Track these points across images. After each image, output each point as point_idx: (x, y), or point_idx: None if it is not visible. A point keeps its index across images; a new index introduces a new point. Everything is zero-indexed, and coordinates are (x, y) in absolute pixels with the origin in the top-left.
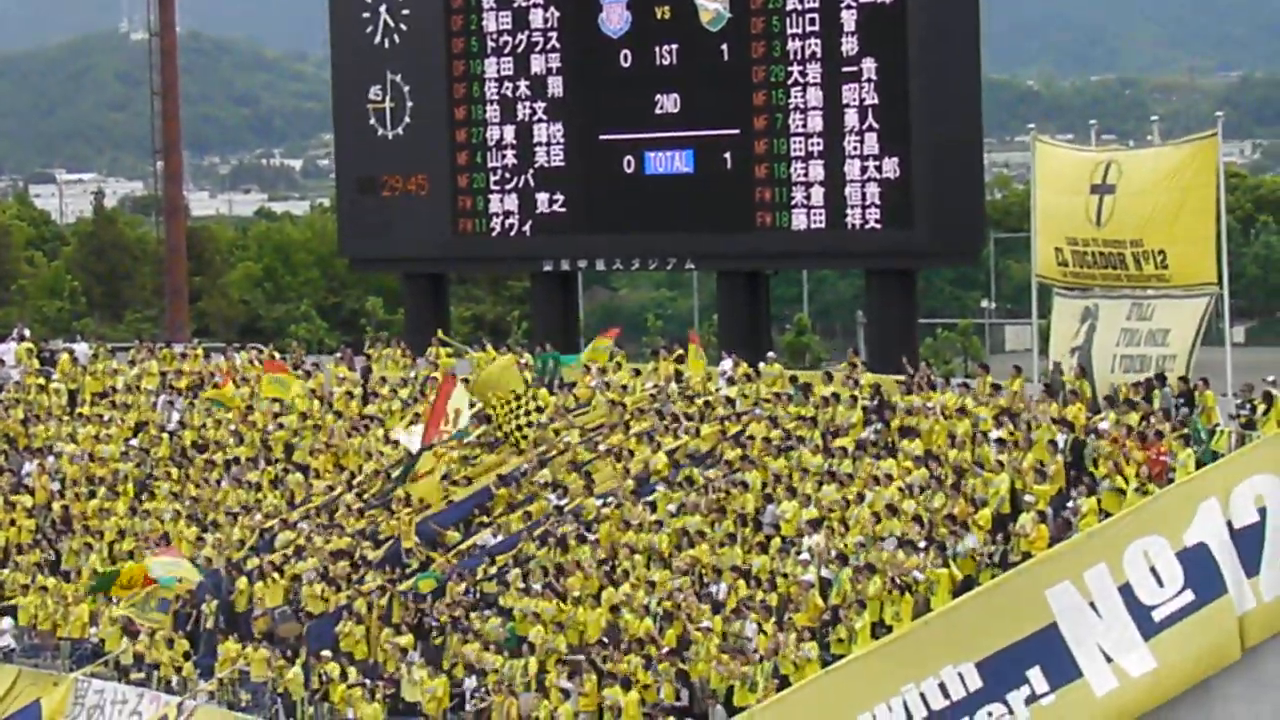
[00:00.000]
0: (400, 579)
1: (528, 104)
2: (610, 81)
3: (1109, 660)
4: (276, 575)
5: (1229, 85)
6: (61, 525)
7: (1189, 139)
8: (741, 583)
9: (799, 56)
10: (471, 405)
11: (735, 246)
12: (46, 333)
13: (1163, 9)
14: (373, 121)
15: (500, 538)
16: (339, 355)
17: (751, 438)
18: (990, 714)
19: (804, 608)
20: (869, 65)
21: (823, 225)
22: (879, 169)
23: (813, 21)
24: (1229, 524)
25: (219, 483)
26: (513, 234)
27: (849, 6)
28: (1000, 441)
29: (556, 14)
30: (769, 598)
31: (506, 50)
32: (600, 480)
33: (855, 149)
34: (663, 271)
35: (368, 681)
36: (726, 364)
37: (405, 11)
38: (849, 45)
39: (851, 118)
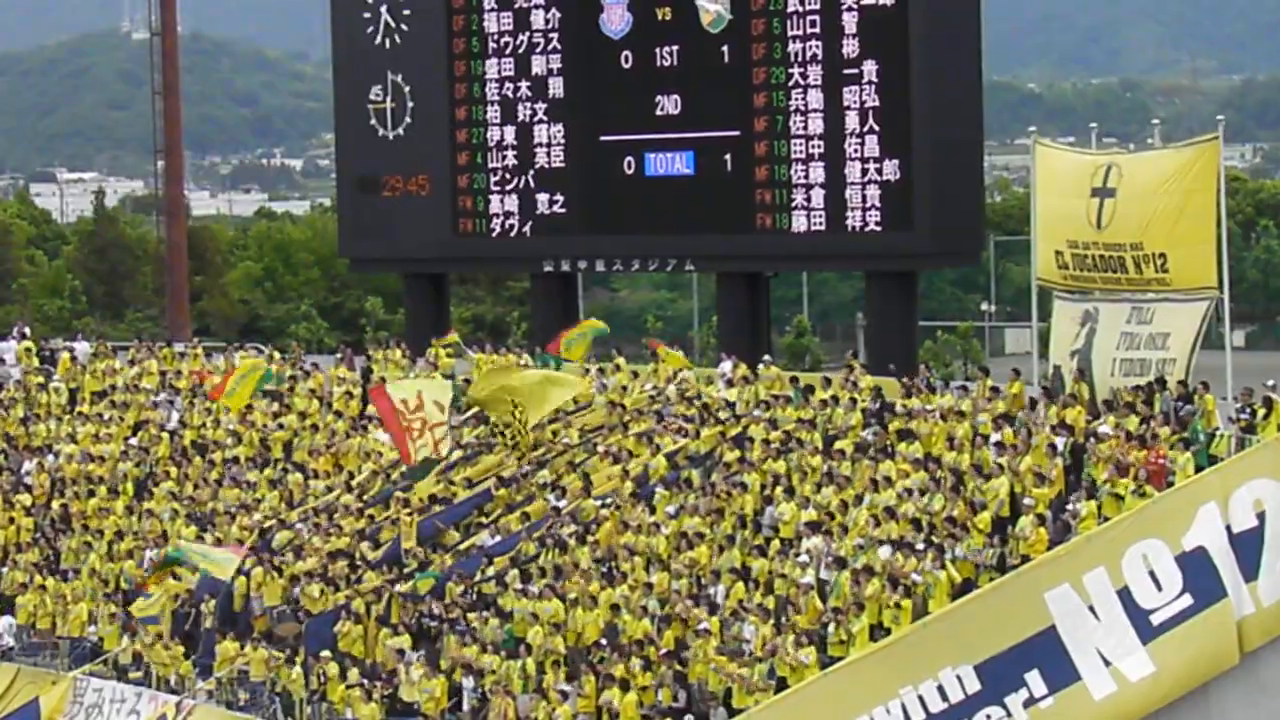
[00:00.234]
0: (399, 579)
1: (528, 105)
2: (611, 83)
3: (1107, 664)
4: (275, 574)
5: (1231, 88)
6: (61, 524)
7: (1190, 142)
8: (740, 585)
9: (800, 58)
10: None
11: (735, 248)
12: (47, 332)
13: (1164, 11)
14: (373, 121)
15: (498, 539)
16: (339, 355)
17: (751, 439)
18: (988, 717)
19: (804, 610)
20: (870, 67)
21: (823, 227)
22: (879, 171)
23: (813, 24)
24: (1228, 528)
25: (218, 482)
26: (513, 235)
27: (850, 9)
28: (999, 445)
29: (557, 15)
30: (767, 600)
31: (507, 51)
32: (598, 482)
33: (856, 151)
34: (663, 273)
35: (366, 681)
36: (726, 366)
37: (406, 12)
38: (850, 47)
39: (852, 120)
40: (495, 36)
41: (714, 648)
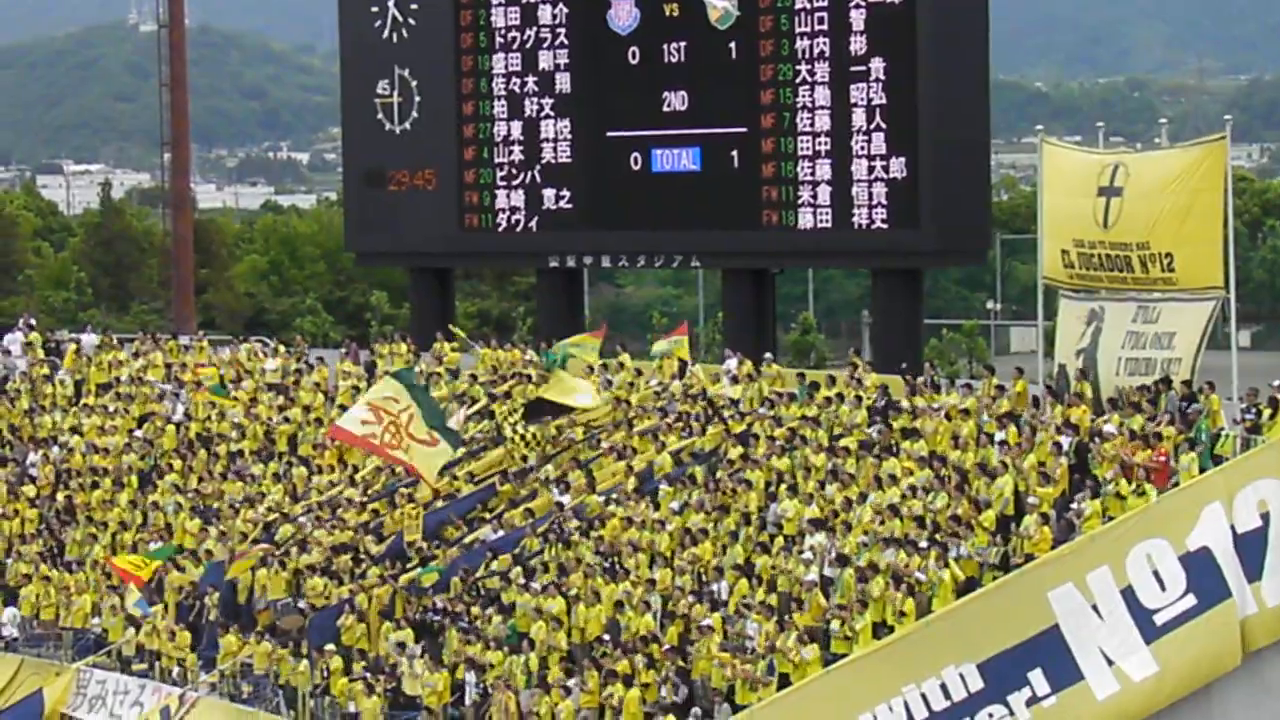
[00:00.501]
0: (402, 573)
1: (535, 100)
2: (618, 78)
3: (1110, 663)
4: (279, 568)
5: (1238, 88)
6: (65, 516)
7: (1197, 142)
8: (744, 581)
9: (807, 55)
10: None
11: (741, 245)
12: (52, 323)
13: (1171, 11)
14: (380, 116)
15: (501, 534)
16: (344, 349)
17: (756, 436)
18: (991, 715)
19: (807, 607)
20: (877, 65)
21: (829, 224)
22: (886, 169)
23: (821, 21)
24: (1232, 528)
25: (223, 475)
26: (519, 230)
27: (858, 6)
28: (1003, 443)
29: (565, 10)
30: (770, 598)
31: (515, 46)
32: (602, 478)
33: (862, 148)
34: (668, 269)
35: (369, 675)
36: (731, 363)
37: (414, 6)
38: (857, 45)
39: (859, 117)
40: (503, 31)
41: (717, 644)
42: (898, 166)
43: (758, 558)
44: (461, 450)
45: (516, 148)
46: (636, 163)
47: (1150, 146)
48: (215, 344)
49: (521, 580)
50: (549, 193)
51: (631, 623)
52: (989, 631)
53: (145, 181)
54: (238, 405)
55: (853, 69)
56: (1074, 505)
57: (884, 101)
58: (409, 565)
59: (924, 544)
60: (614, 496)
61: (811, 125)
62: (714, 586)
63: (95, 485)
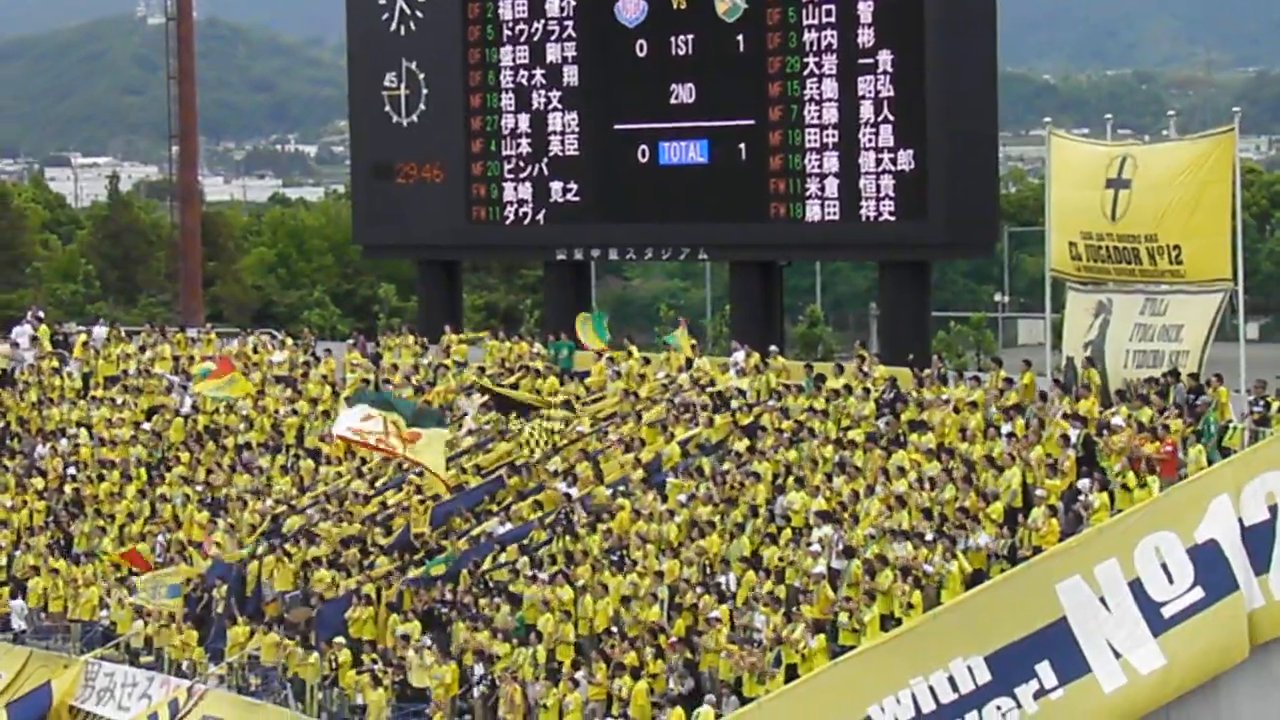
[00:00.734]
0: (410, 565)
1: (543, 92)
2: (625, 71)
3: (1118, 656)
4: (286, 560)
5: (1246, 81)
6: (73, 508)
7: (1205, 134)
8: (751, 574)
9: (815, 48)
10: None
11: (749, 237)
12: (60, 316)
13: (1179, 4)
14: (388, 109)
15: (509, 526)
16: (351, 342)
17: (763, 429)
18: (999, 708)
19: (815, 599)
20: (885, 57)
21: (837, 217)
22: (894, 161)
23: (829, 13)
24: (1240, 521)
25: (231, 468)
26: (526, 222)
27: None
28: (1011, 435)
29: (572, 2)
30: (778, 590)
31: (522, 38)
32: (609, 470)
33: (870, 141)
34: (676, 261)
35: (376, 667)
36: (738, 355)
37: None
38: (865, 37)
39: (867, 110)
40: (510, 24)
41: (725, 636)
42: (905, 159)
43: (765, 550)
44: (454, 429)
45: (524, 140)
46: (644, 155)
47: (1158, 139)
48: (223, 336)
49: (529, 572)
50: (556, 185)
51: (640, 613)
52: (996, 624)
53: (153, 174)
54: (247, 390)
55: (860, 61)
56: (1082, 498)
57: (892, 94)
58: (417, 558)
59: (930, 536)
60: (621, 489)
61: (819, 118)
62: (721, 578)
63: (103, 478)
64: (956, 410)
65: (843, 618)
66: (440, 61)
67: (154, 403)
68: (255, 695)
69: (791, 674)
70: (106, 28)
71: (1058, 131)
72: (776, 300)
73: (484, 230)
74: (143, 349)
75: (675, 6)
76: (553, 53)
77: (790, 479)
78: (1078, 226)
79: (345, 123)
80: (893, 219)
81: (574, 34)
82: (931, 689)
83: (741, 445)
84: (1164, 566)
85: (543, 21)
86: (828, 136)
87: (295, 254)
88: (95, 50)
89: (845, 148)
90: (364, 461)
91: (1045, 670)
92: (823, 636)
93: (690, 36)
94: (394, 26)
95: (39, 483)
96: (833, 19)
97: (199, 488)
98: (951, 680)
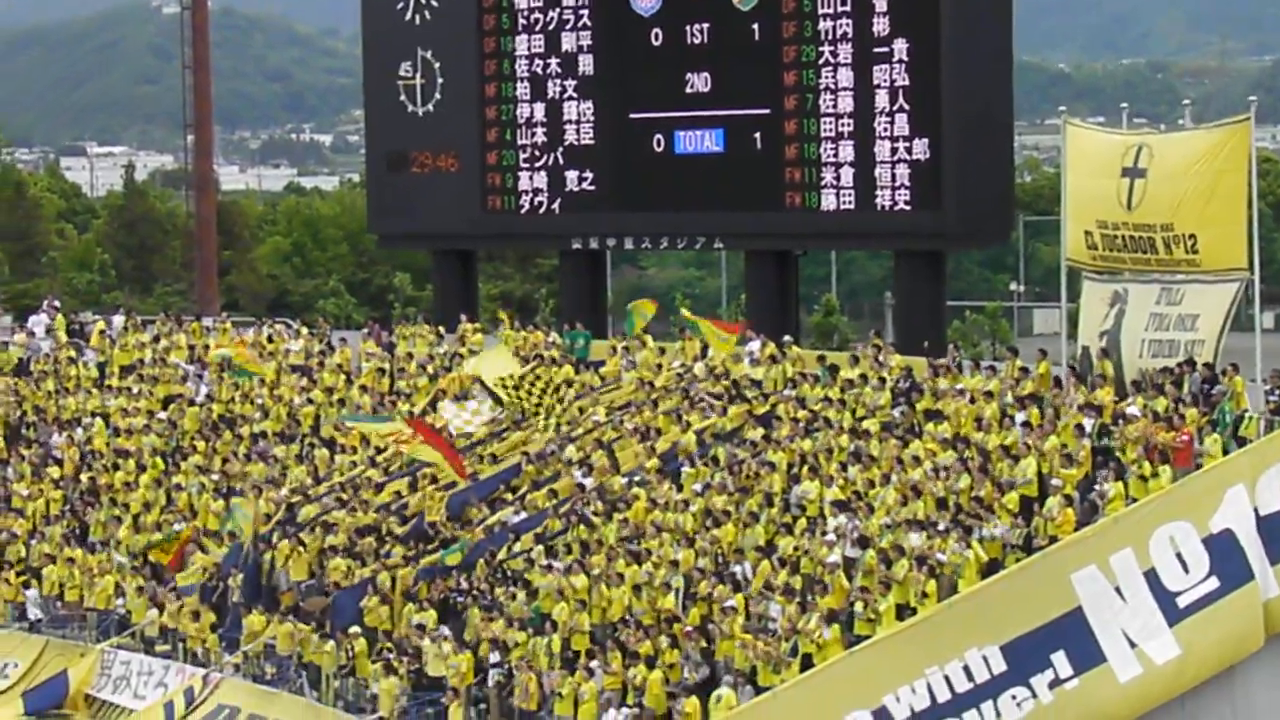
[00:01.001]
0: (425, 554)
1: (558, 82)
2: (641, 60)
3: (1133, 646)
4: (301, 549)
5: (1261, 69)
6: (89, 497)
7: (1221, 123)
8: (766, 563)
9: (830, 37)
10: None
11: (764, 226)
12: (76, 305)
13: None
14: (403, 98)
15: (523, 515)
16: (366, 331)
17: (778, 418)
18: (1014, 697)
19: (831, 589)
20: (900, 46)
21: (852, 206)
22: (909, 150)
23: (844, 2)
24: (1256, 511)
25: (246, 457)
26: (542, 212)
27: None
28: (1026, 425)
29: None
30: (793, 580)
31: (538, 27)
32: (625, 459)
33: (885, 130)
34: (691, 251)
35: (391, 656)
36: (754, 345)
37: None
38: (880, 26)
39: (882, 99)
40: (525, 13)
41: (740, 625)
42: (920, 148)
43: (780, 539)
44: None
45: (539, 129)
46: (659, 144)
47: (1174, 128)
48: (238, 325)
49: (545, 561)
50: (572, 174)
51: (656, 601)
52: (1012, 613)
53: (168, 163)
54: (266, 372)
55: (876, 50)
56: (1097, 487)
57: (907, 83)
58: (431, 547)
59: (942, 526)
60: (637, 478)
61: (834, 107)
62: (736, 568)
63: (119, 467)
64: (972, 400)
65: (858, 607)
66: (455, 50)
67: (170, 392)
68: (271, 684)
69: (807, 663)
70: (122, 17)
71: (1073, 120)
72: (792, 289)
73: (499, 219)
74: (157, 338)
75: None
76: (568, 41)
77: (805, 468)
78: (1093, 216)
79: (360, 112)
80: (908, 208)
81: (589, 23)
82: (947, 678)
83: (757, 434)
84: (1179, 556)
85: (558, 10)
86: (843, 125)
87: (310, 243)
88: (110, 39)
89: (860, 137)
90: (379, 450)
91: (1060, 660)
92: (837, 627)
93: (705, 25)
94: (409, 16)
95: (55, 472)
96: (848, 8)
97: (214, 477)
98: (967, 670)
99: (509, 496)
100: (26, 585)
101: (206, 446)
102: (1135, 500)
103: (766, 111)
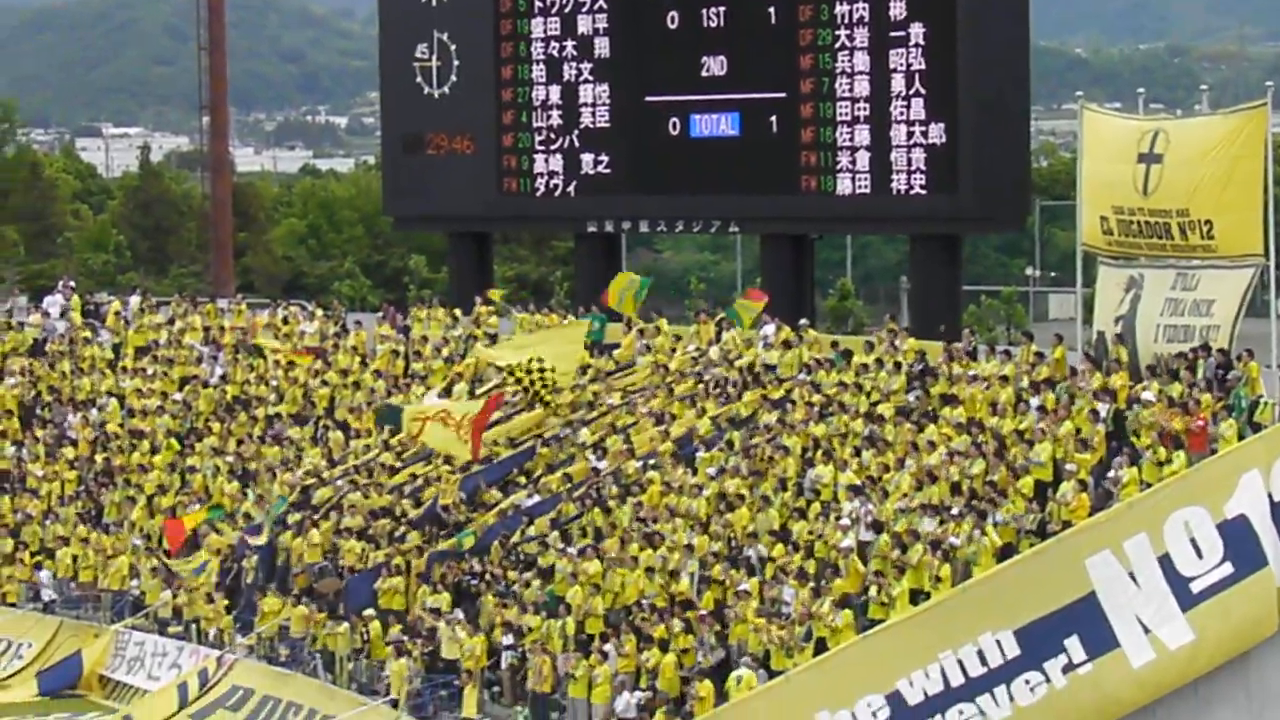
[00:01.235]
0: (439, 537)
1: (574, 64)
2: (657, 43)
3: (1147, 631)
4: (315, 532)
5: (1279, 55)
6: (104, 478)
7: (1238, 109)
8: (779, 547)
9: (847, 20)
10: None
11: (780, 210)
12: (92, 286)
13: None
14: (419, 80)
15: (537, 499)
16: (381, 314)
17: (793, 402)
18: (1027, 682)
19: (845, 573)
20: (917, 30)
21: (868, 190)
22: (925, 134)
23: None
24: (1270, 496)
25: (261, 439)
26: (557, 194)
27: None
28: (1041, 409)
29: None
30: (807, 564)
31: (554, 10)
32: (640, 443)
33: (902, 114)
34: (707, 234)
35: (405, 639)
36: (768, 329)
37: None
38: (897, 10)
39: (898, 83)
40: None
41: (754, 609)
42: (937, 132)
43: (794, 524)
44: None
45: (555, 112)
46: (675, 128)
47: (1191, 113)
48: (253, 307)
49: (560, 545)
50: (587, 157)
51: (669, 586)
52: (1026, 598)
53: (184, 145)
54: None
55: (892, 34)
56: (1112, 472)
57: (923, 67)
58: (445, 530)
59: (956, 511)
60: (651, 462)
61: (851, 90)
62: (750, 552)
63: (134, 448)
64: (987, 385)
65: (871, 591)
66: (471, 32)
67: (186, 373)
68: (285, 666)
69: (820, 647)
70: None
71: (1090, 105)
72: (807, 273)
73: (514, 202)
74: (172, 320)
75: None
76: (584, 24)
77: (820, 453)
78: (1109, 201)
79: (376, 94)
80: (924, 192)
81: (605, 5)
82: (960, 663)
83: (771, 418)
84: (1193, 542)
85: None
86: (859, 109)
87: (326, 225)
88: (126, 20)
89: (876, 121)
90: (393, 433)
91: (1074, 645)
92: (849, 612)
93: (722, 8)
94: None
95: (70, 452)
96: None
97: (229, 459)
98: (980, 654)
99: (523, 480)
100: (39, 566)
101: (221, 428)
102: (1149, 485)
103: (782, 95)
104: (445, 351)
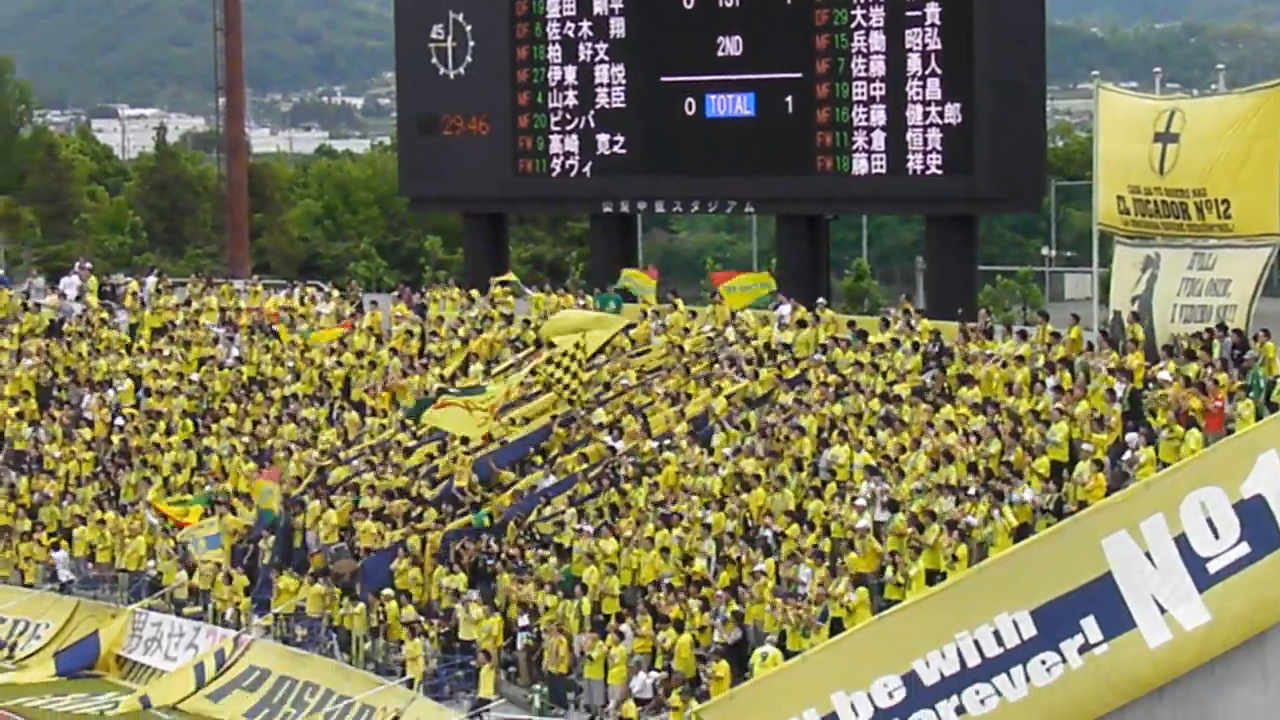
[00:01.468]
0: (454, 517)
1: (589, 45)
2: (672, 23)
3: (1163, 611)
4: (332, 513)
5: None
6: (120, 458)
7: (1255, 88)
8: (795, 526)
9: (862, 0)
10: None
11: (795, 190)
12: (108, 267)
13: None
14: (434, 61)
15: (552, 479)
16: (397, 294)
17: (809, 382)
18: (1043, 662)
19: (862, 553)
20: (933, 10)
21: (883, 170)
22: (941, 114)
23: None
24: None
25: (277, 419)
26: (573, 175)
27: None
28: (1057, 389)
29: None
30: (823, 543)
31: None
32: (655, 424)
33: (917, 94)
34: (722, 215)
35: (422, 619)
36: (784, 309)
37: None
38: None
39: (914, 63)
40: None
41: (770, 589)
42: (952, 112)
43: (810, 503)
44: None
45: (570, 93)
46: (691, 108)
47: (1207, 92)
48: (269, 288)
49: (576, 525)
50: (603, 138)
51: (685, 566)
52: (1042, 579)
53: (200, 126)
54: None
55: (908, 14)
56: (1128, 452)
57: (939, 47)
58: (460, 510)
59: (973, 490)
60: (667, 442)
61: (866, 71)
62: (766, 532)
63: (152, 428)
64: (1003, 365)
65: (887, 572)
66: (487, 13)
67: (202, 354)
68: (301, 646)
69: (836, 627)
70: None
71: (1106, 85)
72: (823, 253)
73: (530, 183)
74: (188, 301)
75: None
76: (600, 4)
77: (835, 433)
78: (1125, 180)
79: (392, 75)
80: (939, 172)
81: None
82: (976, 643)
83: (787, 398)
84: (1210, 522)
85: None
86: (875, 89)
87: (341, 206)
88: (142, 1)
89: (892, 101)
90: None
91: (1090, 625)
92: (865, 591)
93: None
94: None
95: (86, 433)
96: None
97: (245, 439)
98: (997, 634)
99: (539, 460)
100: (56, 547)
101: (238, 409)
102: (1166, 465)
103: (798, 75)
104: (461, 332)
